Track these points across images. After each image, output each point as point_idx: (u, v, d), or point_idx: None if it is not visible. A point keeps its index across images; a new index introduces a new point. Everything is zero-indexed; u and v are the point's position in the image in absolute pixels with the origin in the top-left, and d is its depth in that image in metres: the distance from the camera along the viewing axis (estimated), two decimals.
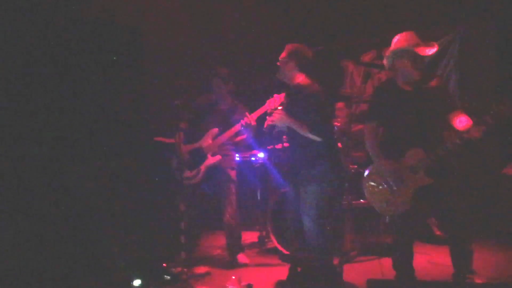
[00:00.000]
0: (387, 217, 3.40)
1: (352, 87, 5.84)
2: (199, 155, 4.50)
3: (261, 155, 5.15)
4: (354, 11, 5.87)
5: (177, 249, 4.06)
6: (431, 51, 3.25)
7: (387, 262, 3.81)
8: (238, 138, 4.54)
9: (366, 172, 3.56)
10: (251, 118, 4.21)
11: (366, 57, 5.70)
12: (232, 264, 4.49)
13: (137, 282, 3.72)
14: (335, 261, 3.87)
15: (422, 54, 3.22)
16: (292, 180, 3.77)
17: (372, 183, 3.47)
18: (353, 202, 4.51)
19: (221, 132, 4.47)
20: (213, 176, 4.53)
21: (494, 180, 5.03)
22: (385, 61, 3.46)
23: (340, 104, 5.08)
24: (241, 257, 4.53)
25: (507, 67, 5.18)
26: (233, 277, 3.61)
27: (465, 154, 4.14)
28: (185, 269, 4.02)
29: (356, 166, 4.62)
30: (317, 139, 3.47)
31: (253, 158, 5.49)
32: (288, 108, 3.66)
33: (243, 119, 4.29)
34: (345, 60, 5.98)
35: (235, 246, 4.58)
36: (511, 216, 4.78)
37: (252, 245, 5.16)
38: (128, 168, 4.68)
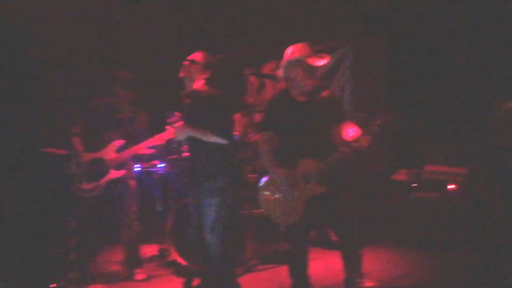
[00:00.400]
0: (282, 225, 3.45)
1: (254, 97, 5.91)
2: (100, 166, 4.27)
3: (161, 165, 5.02)
4: (257, 22, 5.98)
5: (68, 268, 3.81)
6: (322, 62, 3.37)
7: (285, 270, 3.85)
8: (144, 152, 4.36)
9: (261, 182, 3.58)
10: (160, 139, 4.08)
11: (266, 68, 5.80)
12: (128, 280, 4.30)
13: None
14: (236, 271, 3.86)
15: (313, 64, 3.32)
16: (193, 191, 3.72)
17: (267, 193, 3.50)
18: (253, 211, 4.54)
19: (125, 144, 4.27)
20: (111, 187, 4.32)
21: (384, 186, 5.34)
22: (280, 71, 3.52)
23: (239, 114, 5.11)
24: (138, 273, 4.36)
25: (396, 80, 5.55)
26: None
27: (355, 163, 4.35)
28: None
29: (256, 176, 4.66)
30: (223, 141, 3.45)
31: (153, 169, 5.34)
32: (189, 115, 3.61)
33: (145, 129, 4.15)
34: (248, 70, 6.03)
35: (132, 260, 4.40)
36: (399, 219, 5.07)
37: (152, 259, 4.99)
38: (14, 181, 4.32)
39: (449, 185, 5.04)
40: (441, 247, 4.76)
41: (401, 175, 5.21)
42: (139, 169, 5.08)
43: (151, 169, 5.41)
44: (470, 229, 4.79)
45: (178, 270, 3.58)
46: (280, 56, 3.54)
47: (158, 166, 5.06)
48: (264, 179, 3.57)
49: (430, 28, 5.53)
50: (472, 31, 5.34)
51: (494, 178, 5.10)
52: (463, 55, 5.44)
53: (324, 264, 4.52)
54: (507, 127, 5.28)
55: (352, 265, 3.47)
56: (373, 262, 4.49)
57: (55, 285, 3.86)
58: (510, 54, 5.21)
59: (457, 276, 4.07)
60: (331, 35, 5.57)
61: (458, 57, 5.42)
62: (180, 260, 4.47)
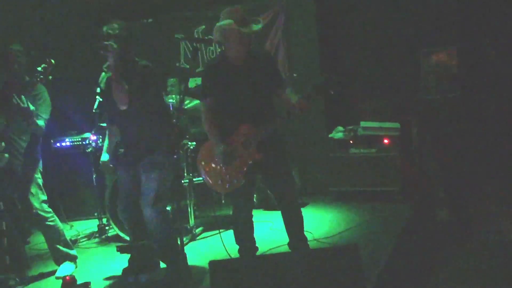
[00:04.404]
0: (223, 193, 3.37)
1: (188, 62, 5.71)
2: None
3: (93, 137, 4.78)
4: None
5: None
6: (255, 28, 3.25)
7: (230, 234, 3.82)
8: None
9: (201, 151, 3.49)
10: None
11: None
12: None
13: None
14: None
15: (245, 31, 3.20)
16: (127, 163, 3.56)
17: (207, 161, 3.41)
18: (194, 179, 4.47)
19: None
20: None
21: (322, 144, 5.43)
22: (214, 36, 3.38)
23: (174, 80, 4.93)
24: None
25: (327, 38, 5.54)
26: (67, 277, 3.30)
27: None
28: (13, 274, 3.60)
29: (195, 143, 4.56)
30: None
31: (85, 142, 5.09)
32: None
33: None
34: (179, 34, 5.79)
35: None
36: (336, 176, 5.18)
37: (91, 235, 4.84)
38: None
39: (384, 139, 5.19)
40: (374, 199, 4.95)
41: (338, 133, 5.30)
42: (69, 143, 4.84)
43: (83, 143, 5.16)
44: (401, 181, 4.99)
45: (118, 248, 3.43)
46: (210, 19, 3.38)
47: (90, 138, 4.83)
48: (203, 147, 3.48)
49: None
50: None
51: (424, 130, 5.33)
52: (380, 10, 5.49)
53: (268, 225, 4.57)
54: (434, 79, 5.49)
55: (293, 226, 3.51)
56: (313, 220, 4.61)
57: None
58: (434, 7, 5.33)
59: (393, 226, 4.24)
60: None
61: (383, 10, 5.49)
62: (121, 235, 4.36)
